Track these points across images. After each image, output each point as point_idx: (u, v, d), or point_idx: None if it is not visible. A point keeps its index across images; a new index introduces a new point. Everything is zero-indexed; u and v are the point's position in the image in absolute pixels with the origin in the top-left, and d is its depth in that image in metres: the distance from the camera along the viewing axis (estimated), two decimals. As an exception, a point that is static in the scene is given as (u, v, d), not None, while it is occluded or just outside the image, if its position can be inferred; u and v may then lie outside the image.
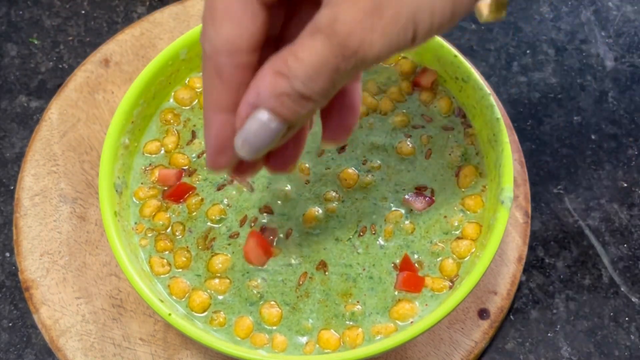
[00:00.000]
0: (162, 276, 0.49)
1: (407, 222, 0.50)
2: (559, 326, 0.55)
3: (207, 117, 0.35)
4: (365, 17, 0.31)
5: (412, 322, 0.47)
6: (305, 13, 0.36)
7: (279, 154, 0.38)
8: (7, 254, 0.57)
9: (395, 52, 0.32)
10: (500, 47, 0.66)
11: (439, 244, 0.49)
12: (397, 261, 0.49)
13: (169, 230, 0.50)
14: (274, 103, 0.31)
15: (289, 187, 0.51)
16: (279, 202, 0.51)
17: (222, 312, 0.48)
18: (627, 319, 0.55)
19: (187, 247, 0.50)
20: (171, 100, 0.54)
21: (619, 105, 0.64)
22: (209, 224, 0.50)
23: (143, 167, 0.52)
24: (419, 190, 0.51)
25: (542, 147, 0.62)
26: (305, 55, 0.31)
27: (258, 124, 0.32)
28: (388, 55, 0.32)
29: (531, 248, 0.58)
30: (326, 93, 0.32)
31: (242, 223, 0.50)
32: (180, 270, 0.49)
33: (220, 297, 0.48)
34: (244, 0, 0.33)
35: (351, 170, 0.51)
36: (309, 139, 0.52)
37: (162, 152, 0.53)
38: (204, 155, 0.52)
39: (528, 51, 0.66)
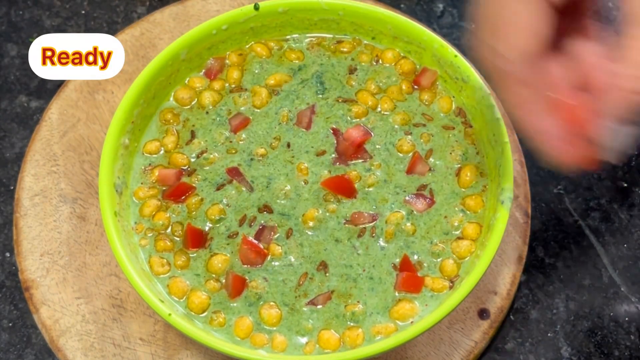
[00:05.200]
0: (161, 276, 0.49)
1: (408, 223, 0.50)
2: (559, 326, 0.55)
3: (533, 122, 0.36)
4: None
5: (412, 322, 0.47)
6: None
7: None
8: (7, 254, 0.57)
9: None
10: (500, 47, 0.66)
11: (439, 244, 0.49)
12: (397, 261, 0.49)
13: (168, 230, 0.50)
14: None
15: (288, 187, 0.51)
16: (279, 201, 0.51)
17: (222, 313, 0.48)
18: (627, 319, 0.55)
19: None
20: (171, 100, 0.54)
21: (619, 105, 0.64)
22: (208, 223, 0.50)
23: (143, 167, 0.52)
24: (420, 191, 0.51)
25: (542, 147, 0.62)
26: None
27: (624, 136, 0.34)
28: None
29: (531, 248, 0.58)
30: None
31: (241, 223, 0.50)
32: (179, 270, 0.49)
33: (220, 298, 0.48)
34: (532, 5, 0.33)
35: (353, 171, 0.51)
36: (309, 139, 0.53)
37: (162, 152, 0.53)
38: (204, 155, 0.52)
39: (528, 51, 0.66)
